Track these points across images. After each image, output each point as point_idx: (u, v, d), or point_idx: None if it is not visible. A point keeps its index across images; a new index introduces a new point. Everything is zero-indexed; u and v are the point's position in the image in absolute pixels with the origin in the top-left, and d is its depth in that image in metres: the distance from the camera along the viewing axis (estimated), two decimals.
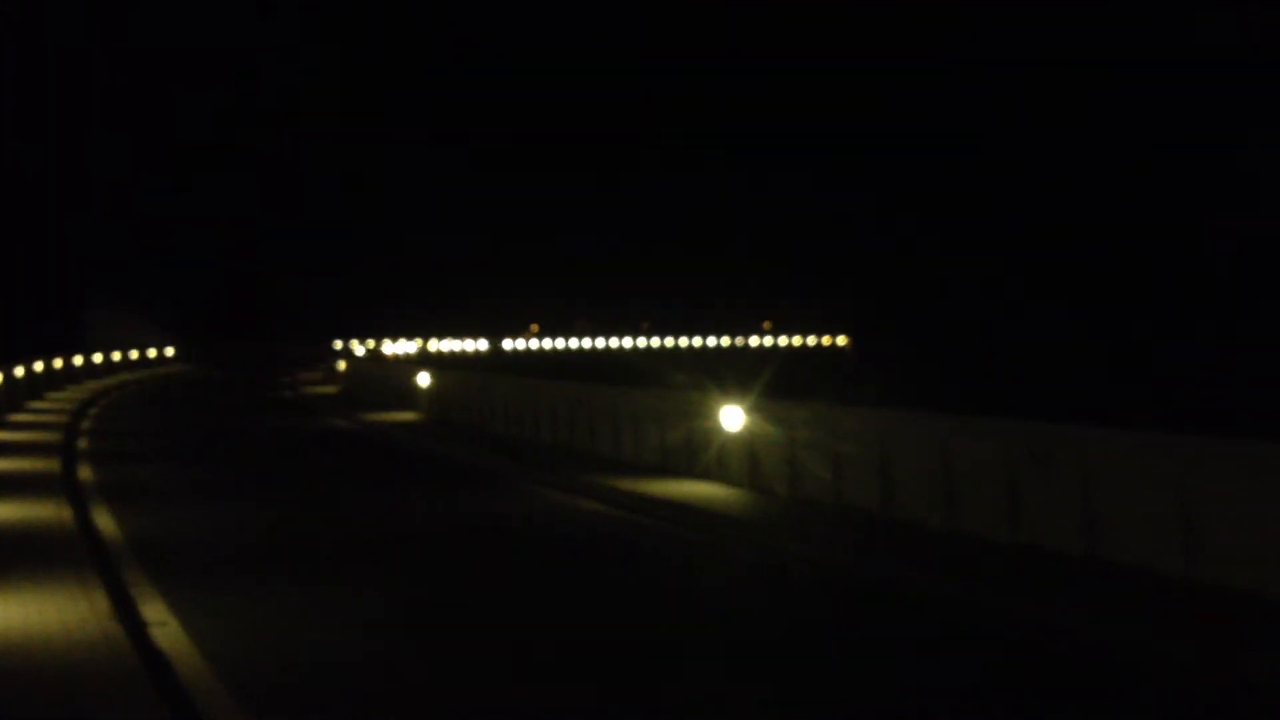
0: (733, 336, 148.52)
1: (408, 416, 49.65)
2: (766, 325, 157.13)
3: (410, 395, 52.92)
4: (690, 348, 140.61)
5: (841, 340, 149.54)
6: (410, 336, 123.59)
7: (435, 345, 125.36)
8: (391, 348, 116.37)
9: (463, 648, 15.27)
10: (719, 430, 27.70)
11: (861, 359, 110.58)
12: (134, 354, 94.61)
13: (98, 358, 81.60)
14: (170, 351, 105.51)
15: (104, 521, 23.75)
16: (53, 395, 61.75)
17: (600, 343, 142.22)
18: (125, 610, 16.19)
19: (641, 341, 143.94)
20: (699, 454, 28.85)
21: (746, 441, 27.18)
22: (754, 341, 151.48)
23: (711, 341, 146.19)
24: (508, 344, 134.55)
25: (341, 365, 75.30)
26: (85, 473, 31.42)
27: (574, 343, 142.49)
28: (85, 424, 46.90)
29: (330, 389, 71.21)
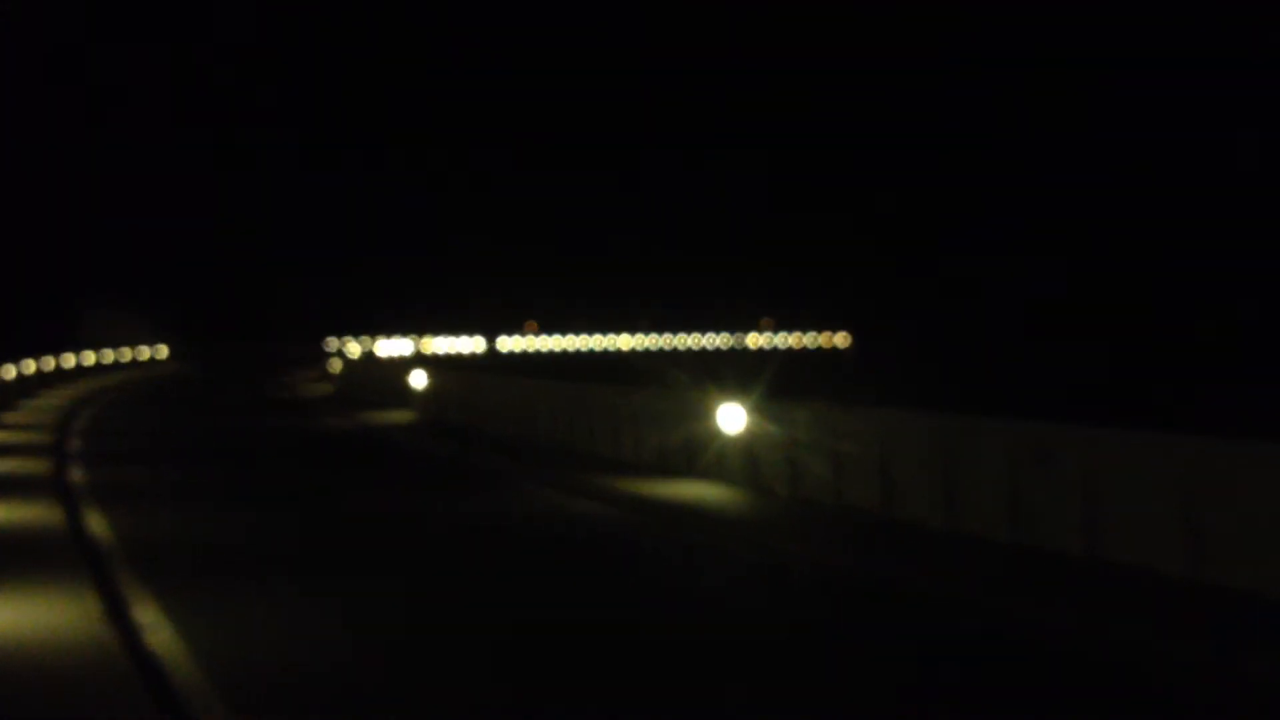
0: (732, 333, 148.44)
1: (404, 416, 49.62)
2: (765, 324, 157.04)
3: (406, 395, 52.89)
4: (689, 349, 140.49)
5: (840, 339, 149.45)
6: (406, 334, 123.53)
7: (431, 343, 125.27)
8: (387, 345, 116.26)
9: (461, 649, 15.23)
10: (719, 430, 27.66)
11: (861, 358, 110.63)
12: (128, 353, 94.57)
13: (92, 357, 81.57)
14: (164, 350, 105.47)
15: (96, 523, 23.70)
16: (47, 394, 61.71)
17: (598, 341, 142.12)
18: (118, 613, 16.14)
19: (639, 342, 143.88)
20: (699, 454, 28.82)
21: (746, 441, 27.15)
22: (754, 340, 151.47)
23: (709, 341, 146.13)
24: (505, 341, 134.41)
25: (337, 365, 75.30)
26: (78, 474, 31.37)
27: (572, 342, 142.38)
28: (78, 424, 46.85)
29: (326, 388, 71.19)
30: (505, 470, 32.37)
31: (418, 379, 50.86)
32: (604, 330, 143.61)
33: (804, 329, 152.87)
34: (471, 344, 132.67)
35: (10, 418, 47.05)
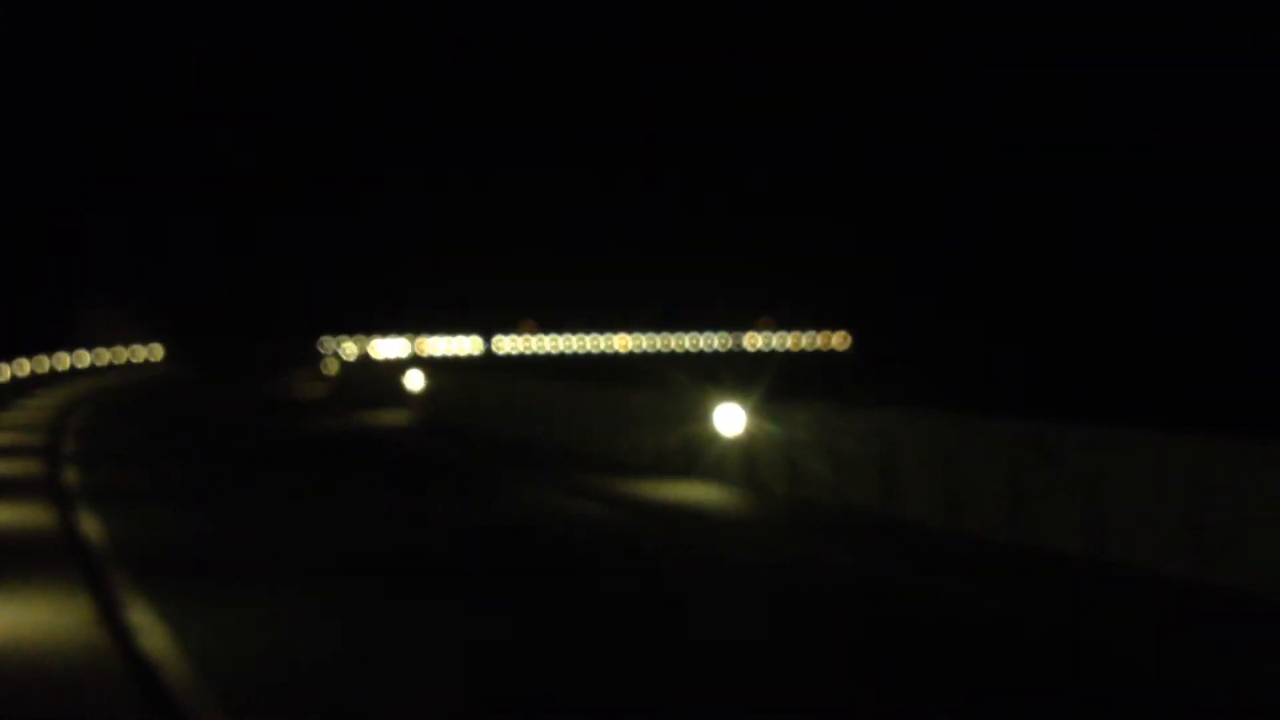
0: (731, 332, 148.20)
1: (401, 417, 49.62)
2: (764, 324, 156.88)
3: (402, 395, 52.90)
4: (687, 350, 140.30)
5: (839, 340, 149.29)
6: (403, 333, 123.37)
7: (428, 343, 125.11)
8: (383, 345, 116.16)
9: (459, 651, 15.21)
10: (717, 431, 27.68)
11: (862, 359, 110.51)
12: (124, 354, 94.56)
13: (87, 358, 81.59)
14: (160, 350, 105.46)
15: (91, 525, 23.68)
16: (42, 394, 61.70)
17: (596, 342, 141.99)
18: (112, 615, 16.11)
19: (636, 342, 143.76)
20: (698, 455, 28.82)
21: (745, 442, 27.16)
22: (752, 340, 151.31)
23: (706, 341, 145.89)
24: (502, 341, 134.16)
25: (333, 365, 75.35)
26: (72, 475, 31.34)
27: (570, 342, 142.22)
28: (74, 424, 46.84)
29: (321, 389, 71.22)
30: (503, 471, 32.37)
31: (414, 380, 50.89)
32: (602, 330, 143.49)
33: (803, 328, 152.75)
34: (469, 343, 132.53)
35: (5, 418, 47.04)
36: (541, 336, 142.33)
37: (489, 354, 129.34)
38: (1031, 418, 22.32)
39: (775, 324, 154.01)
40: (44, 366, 66.83)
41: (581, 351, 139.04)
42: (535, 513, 25.93)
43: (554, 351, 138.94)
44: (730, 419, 27.09)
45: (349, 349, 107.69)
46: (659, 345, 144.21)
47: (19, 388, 57.07)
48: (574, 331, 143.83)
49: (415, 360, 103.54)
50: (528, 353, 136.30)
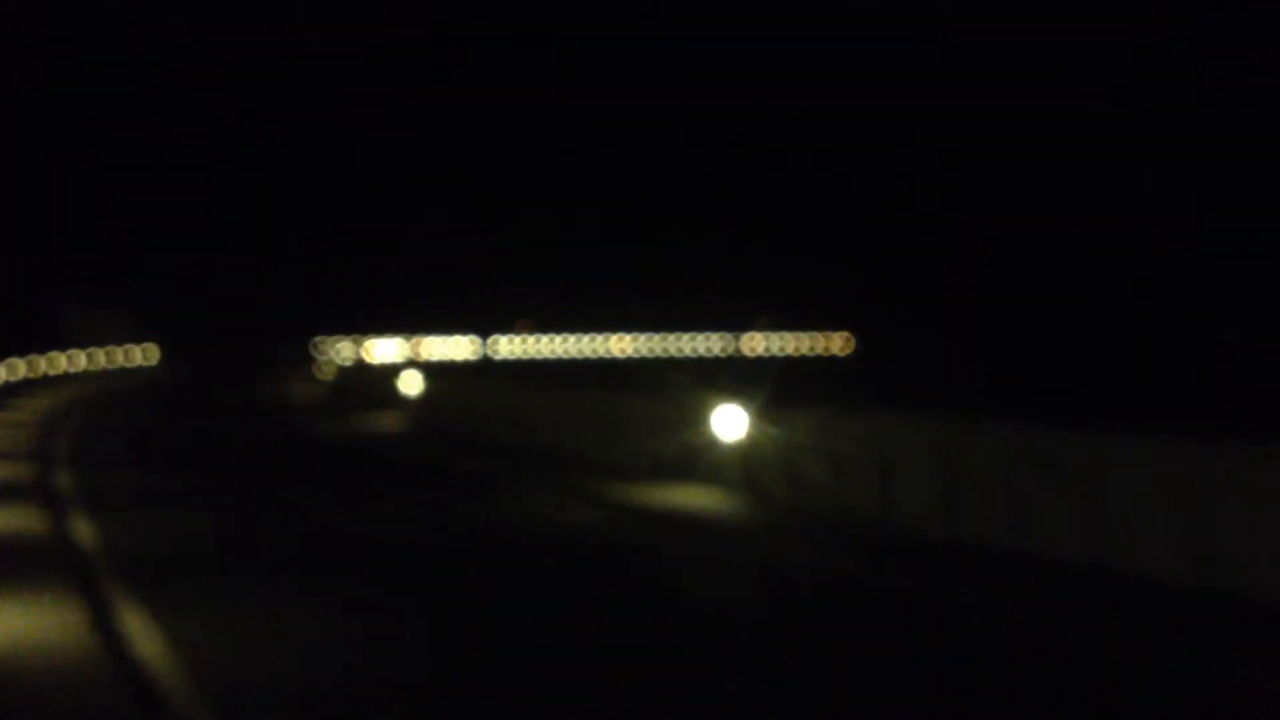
0: (731, 331, 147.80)
1: (396, 420, 49.66)
2: (762, 323, 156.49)
3: (398, 398, 52.95)
4: (685, 355, 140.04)
5: (840, 342, 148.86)
6: (400, 332, 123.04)
7: (426, 344, 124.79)
8: (379, 345, 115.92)
9: (455, 657, 15.28)
10: (716, 435, 27.76)
11: (864, 363, 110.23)
12: (117, 354, 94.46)
13: (82, 360, 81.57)
14: (152, 349, 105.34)
15: (83, 529, 23.72)
16: (33, 394, 61.69)
17: (594, 344, 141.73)
18: (105, 620, 16.17)
19: (633, 343, 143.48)
20: (697, 459, 28.90)
21: (744, 446, 27.24)
22: (750, 342, 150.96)
23: (704, 343, 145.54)
24: (499, 340, 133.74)
25: (328, 367, 75.36)
26: (64, 479, 31.38)
27: (568, 343, 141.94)
28: (65, 427, 46.87)
29: (318, 391, 71.23)
30: (501, 476, 32.42)
31: (411, 383, 50.95)
32: (600, 330, 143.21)
33: (803, 328, 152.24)
34: (466, 342, 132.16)
35: None
36: (539, 337, 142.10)
37: (486, 360, 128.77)
38: (1030, 422, 22.40)
39: (773, 323, 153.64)
40: (37, 367, 66.73)
41: (580, 356, 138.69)
42: (533, 516, 26.00)
43: (552, 356, 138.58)
44: (729, 423, 27.18)
45: (345, 351, 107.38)
46: (657, 348, 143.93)
47: (10, 388, 57.04)
48: (572, 332, 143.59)
49: (412, 365, 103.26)
50: (524, 357, 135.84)
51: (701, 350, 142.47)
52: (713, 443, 28.11)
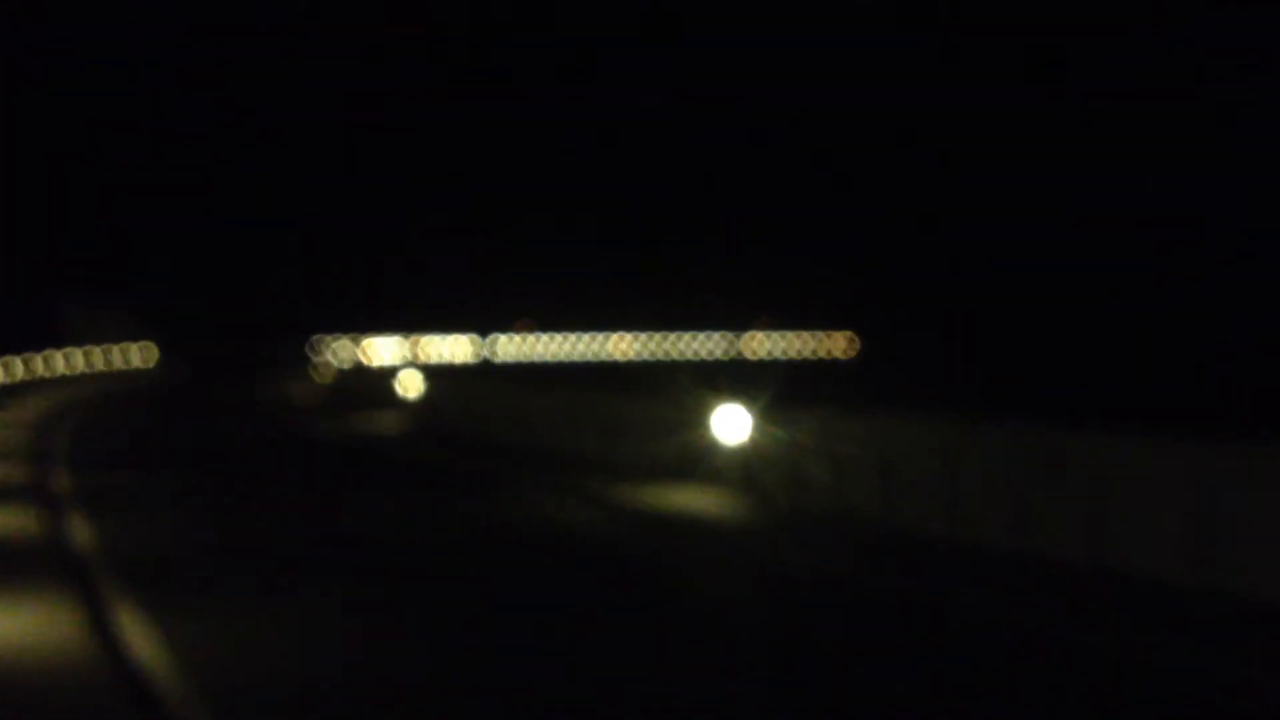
0: (732, 331, 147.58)
1: (397, 421, 49.66)
2: (762, 323, 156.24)
3: (398, 399, 52.96)
4: (686, 358, 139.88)
5: (845, 342, 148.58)
6: (399, 331, 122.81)
7: (426, 343, 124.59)
8: (379, 344, 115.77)
9: (456, 659, 15.29)
10: (718, 436, 27.78)
11: (865, 363, 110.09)
12: (115, 354, 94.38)
13: (79, 357, 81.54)
14: (151, 349, 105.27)
15: (81, 530, 23.72)
16: (29, 395, 61.69)
17: (594, 343, 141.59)
18: (103, 621, 16.17)
19: (633, 343, 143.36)
20: (698, 460, 28.91)
21: (746, 447, 27.24)
22: (751, 342, 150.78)
23: (703, 343, 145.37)
24: (498, 339, 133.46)
25: (325, 370, 75.35)
26: (62, 479, 31.38)
27: (569, 343, 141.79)
28: (62, 427, 46.86)
29: (317, 391, 71.24)
30: (501, 476, 32.43)
31: (411, 381, 50.97)
32: (601, 329, 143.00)
33: (803, 328, 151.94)
34: (466, 341, 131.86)
35: None
36: (539, 336, 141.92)
37: (486, 363, 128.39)
38: (1031, 423, 22.40)
39: (774, 323, 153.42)
40: (36, 365, 66.64)
41: (581, 360, 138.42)
42: (533, 518, 26.02)
43: (552, 360, 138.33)
44: (731, 424, 27.20)
45: (343, 351, 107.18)
46: (657, 348, 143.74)
47: (7, 388, 57.01)
48: (572, 331, 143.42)
49: (411, 366, 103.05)
50: (524, 360, 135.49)
51: (703, 353, 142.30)
52: (714, 444, 28.12)
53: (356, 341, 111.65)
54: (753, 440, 27.03)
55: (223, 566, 20.76)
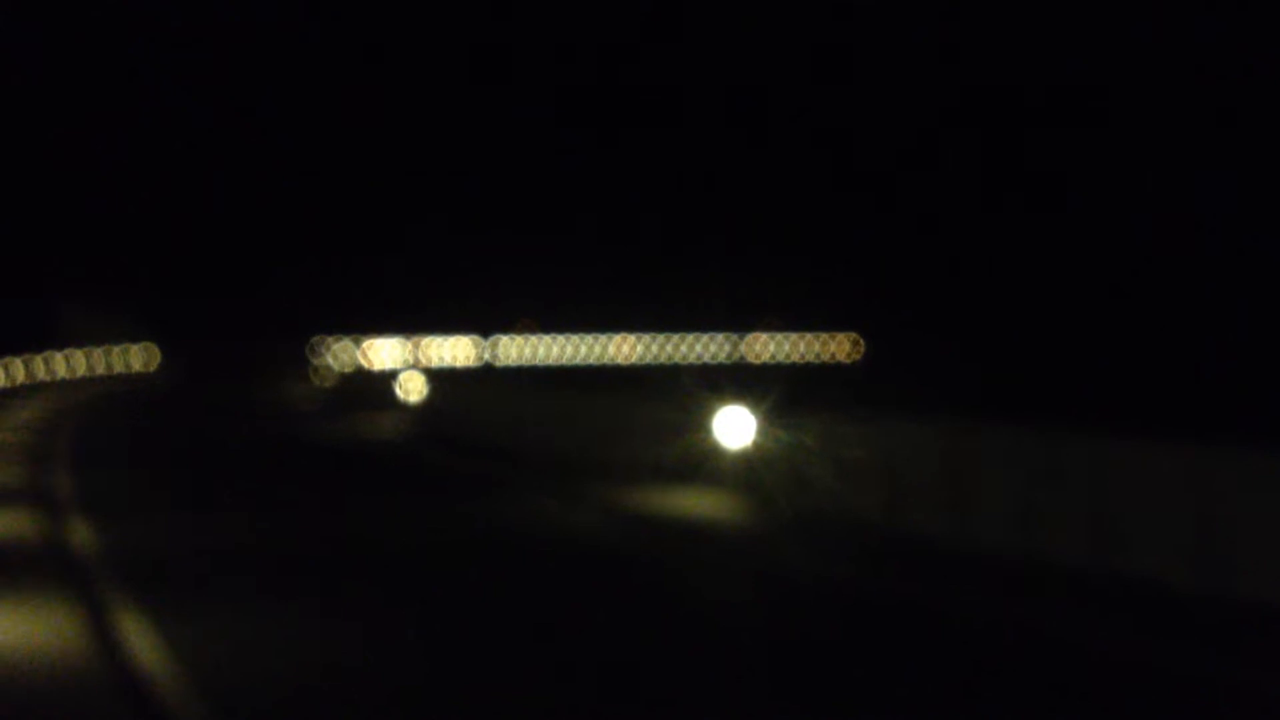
0: (733, 334, 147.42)
1: (397, 423, 49.66)
2: (768, 324, 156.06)
3: (399, 400, 52.99)
4: (689, 363, 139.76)
5: (847, 345, 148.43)
6: (401, 332, 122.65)
7: (423, 341, 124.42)
8: (380, 345, 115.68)
9: (458, 663, 15.30)
10: (720, 440, 27.77)
11: (871, 366, 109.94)
12: (114, 353, 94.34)
13: (79, 358, 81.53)
14: (152, 349, 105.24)
15: (82, 533, 23.74)
16: (28, 398, 61.71)
17: (597, 345, 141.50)
18: (104, 624, 16.18)
19: (635, 344, 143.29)
20: (700, 463, 28.90)
21: (749, 452, 27.24)
22: (754, 343, 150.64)
23: (706, 346, 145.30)
24: (500, 340, 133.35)
25: (326, 373, 75.33)
26: (62, 481, 31.40)
27: (572, 344, 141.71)
28: (63, 428, 46.88)
29: (319, 393, 71.27)
30: (502, 480, 32.44)
31: (413, 384, 51.00)
32: (602, 330, 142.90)
33: (808, 330, 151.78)
34: (468, 343, 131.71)
35: None
36: (540, 337, 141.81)
37: (488, 366, 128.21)
38: (1035, 426, 22.39)
39: (779, 325, 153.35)
40: (35, 367, 66.55)
41: (583, 363, 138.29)
42: (536, 522, 26.03)
43: (555, 364, 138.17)
44: (734, 427, 27.19)
45: (344, 354, 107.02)
46: (660, 351, 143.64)
47: (9, 389, 56.99)
48: (574, 333, 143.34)
49: (414, 369, 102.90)
50: (525, 364, 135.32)
51: (706, 356, 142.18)
52: (716, 447, 28.12)
53: (358, 343, 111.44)
54: (755, 444, 27.02)
55: (220, 568, 20.76)
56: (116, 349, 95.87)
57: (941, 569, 19.70)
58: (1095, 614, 16.80)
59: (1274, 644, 15.12)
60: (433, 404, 49.37)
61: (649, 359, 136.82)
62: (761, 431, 26.93)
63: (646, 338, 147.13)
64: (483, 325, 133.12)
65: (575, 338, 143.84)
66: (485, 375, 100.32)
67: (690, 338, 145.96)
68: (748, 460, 27.28)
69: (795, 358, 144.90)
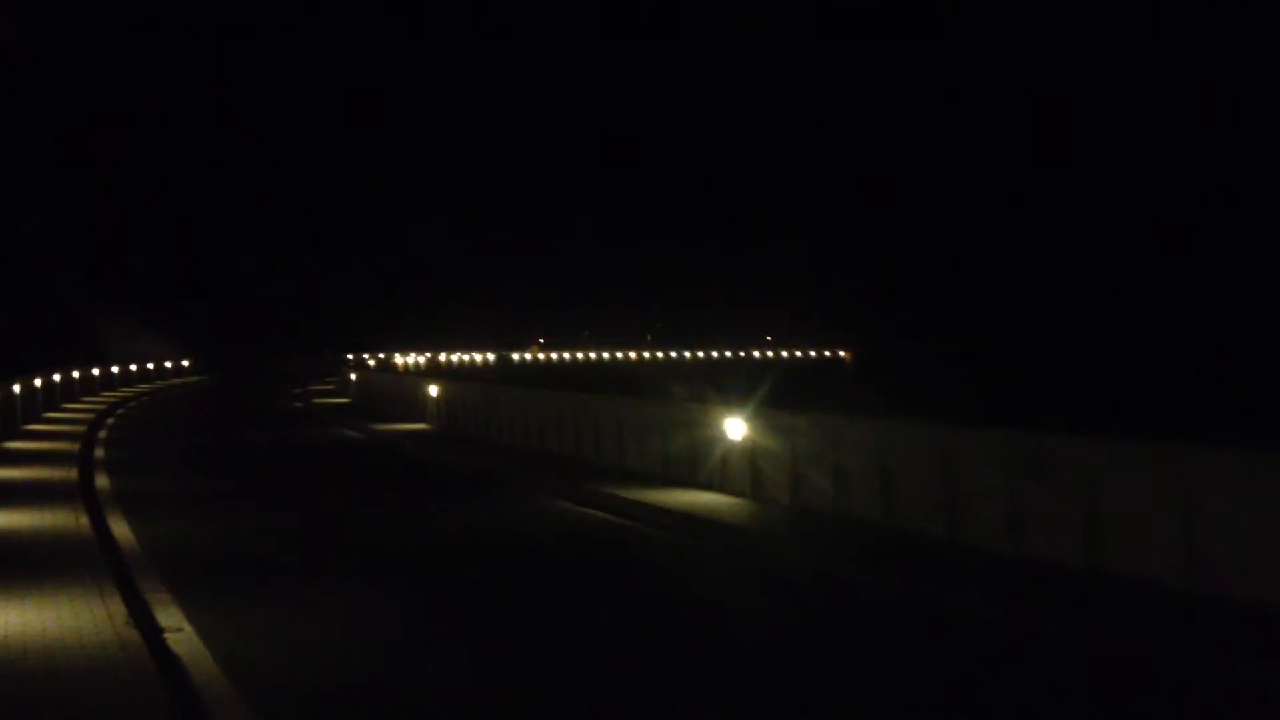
0: (737, 349, 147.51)
1: (417, 427, 49.61)
2: (765, 339, 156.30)
3: (419, 406, 52.91)
4: (695, 358, 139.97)
5: (844, 350, 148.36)
6: (420, 350, 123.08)
7: (444, 357, 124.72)
8: (402, 360, 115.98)
9: (473, 656, 15.21)
10: (721, 440, 27.66)
11: (868, 368, 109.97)
12: (150, 365, 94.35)
13: (115, 369, 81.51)
14: (186, 363, 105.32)
15: (120, 529, 23.70)
16: (70, 406, 61.73)
17: (605, 355, 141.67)
18: (141, 616, 16.10)
19: (646, 353, 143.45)
20: (702, 463, 28.77)
21: (748, 451, 27.10)
22: (755, 345, 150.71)
23: (705, 350, 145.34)
24: (511, 357, 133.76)
25: (353, 376, 75.36)
26: (102, 481, 31.38)
27: (579, 356, 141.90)
28: (102, 434, 46.86)
29: (341, 400, 71.28)
30: (512, 479, 32.35)
31: (431, 390, 50.96)
32: (611, 350, 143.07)
33: (806, 346, 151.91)
34: (483, 357, 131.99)
35: (36, 427, 47.08)
36: (553, 351, 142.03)
37: (504, 362, 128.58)
38: (1029, 427, 22.25)
39: (775, 342, 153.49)
40: (74, 377, 66.55)
41: (593, 361, 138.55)
42: (546, 520, 25.94)
43: (566, 360, 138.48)
44: (734, 427, 27.09)
45: (371, 365, 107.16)
46: (663, 353, 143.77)
47: (49, 398, 57.02)
48: (583, 351, 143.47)
49: (433, 370, 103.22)
50: (540, 363, 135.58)
51: (706, 357, 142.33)
52: (716, 447, 28.01)
53: (385, 358, 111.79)
54: (754, 444, 26.90)
55: (248, 566, 20.71)
56: (153, 365, 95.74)
57: (936, 567, 19.53)
58: (1087, 612, 16.62)
59: (1263, 641, 14.96)
60: (450, 406, 49.31)
61: (649, 359, 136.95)
62: (759, 432, 26.79)
63: (648, 341, 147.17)
64: (499, 345, 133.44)
65: (576, 339, 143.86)
66: (503, 373, 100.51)
67: (691, 340, 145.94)
68: (747, 460, 27.14)
69: (794, 358, 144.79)
